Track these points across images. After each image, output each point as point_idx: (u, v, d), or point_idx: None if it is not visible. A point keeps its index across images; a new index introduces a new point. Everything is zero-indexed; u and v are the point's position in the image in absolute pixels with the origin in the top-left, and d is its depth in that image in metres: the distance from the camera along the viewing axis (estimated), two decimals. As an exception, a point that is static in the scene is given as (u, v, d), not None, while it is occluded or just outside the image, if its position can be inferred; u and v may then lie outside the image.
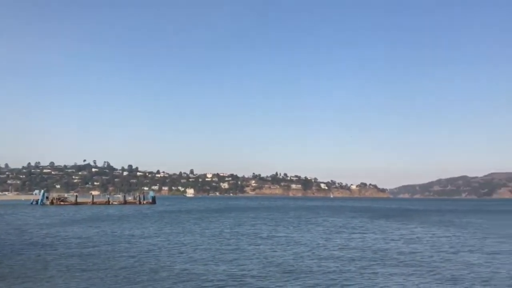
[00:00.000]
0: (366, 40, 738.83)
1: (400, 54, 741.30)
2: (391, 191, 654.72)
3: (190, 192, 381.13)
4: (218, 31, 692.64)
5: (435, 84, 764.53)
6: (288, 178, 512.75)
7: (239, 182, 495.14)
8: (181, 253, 28.18)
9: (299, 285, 19.11)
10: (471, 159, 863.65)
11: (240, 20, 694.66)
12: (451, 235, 42.51)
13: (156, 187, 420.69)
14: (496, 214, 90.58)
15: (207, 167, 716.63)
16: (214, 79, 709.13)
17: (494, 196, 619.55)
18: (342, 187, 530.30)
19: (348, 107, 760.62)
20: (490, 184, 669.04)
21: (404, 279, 20.54)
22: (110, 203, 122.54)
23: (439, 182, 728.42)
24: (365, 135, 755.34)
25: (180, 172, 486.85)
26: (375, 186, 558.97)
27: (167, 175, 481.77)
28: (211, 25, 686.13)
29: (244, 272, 21.64)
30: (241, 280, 19.85)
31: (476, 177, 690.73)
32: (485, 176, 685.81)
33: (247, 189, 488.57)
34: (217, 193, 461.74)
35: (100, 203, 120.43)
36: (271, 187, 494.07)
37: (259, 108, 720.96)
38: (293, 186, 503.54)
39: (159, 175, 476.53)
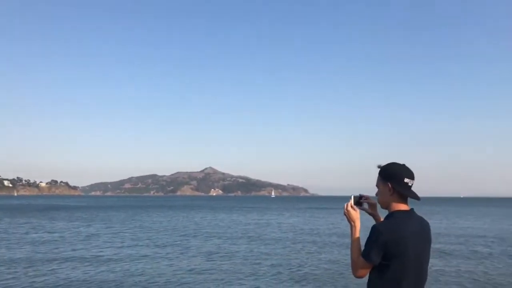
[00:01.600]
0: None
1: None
2: (83, 189, 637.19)
3: None
4: None
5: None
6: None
7: None
8: None
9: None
10: (160, 159, 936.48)
11: None
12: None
13: None
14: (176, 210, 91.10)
15: None
16: None
17: (179, 193, 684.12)
18: (30, 184, 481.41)
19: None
20: (175, 182, 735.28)
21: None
22: None
23: (130, 180, 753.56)
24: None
25: None
26: (66, 184, 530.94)
27: None
28: None
29: None
30: None
31: (164, 176, 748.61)
32: (171, 175, 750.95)
33: None
34: None
35: None
36: None
37: None
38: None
39: None
